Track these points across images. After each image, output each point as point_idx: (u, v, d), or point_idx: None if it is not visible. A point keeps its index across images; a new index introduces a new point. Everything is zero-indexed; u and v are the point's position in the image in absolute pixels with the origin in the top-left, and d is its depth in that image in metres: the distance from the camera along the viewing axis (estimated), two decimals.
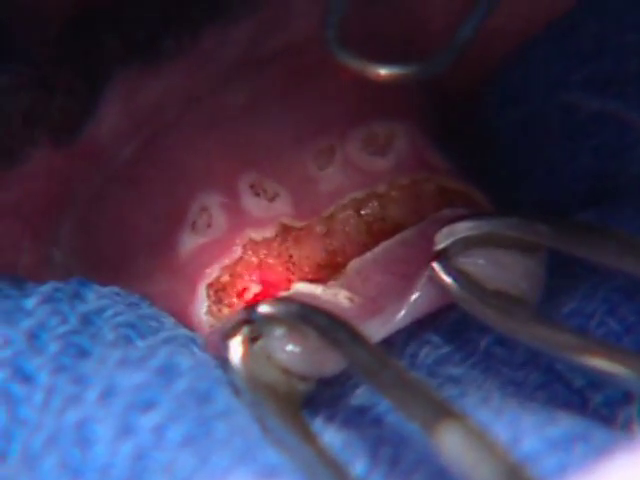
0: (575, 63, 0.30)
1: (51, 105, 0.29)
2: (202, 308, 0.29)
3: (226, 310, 0.29)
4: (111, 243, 0.32)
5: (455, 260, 0.28)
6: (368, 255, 0.29)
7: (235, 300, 0.29)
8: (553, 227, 0.27)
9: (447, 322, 0.28)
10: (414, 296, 0.28)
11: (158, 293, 0.30)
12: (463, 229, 0.28)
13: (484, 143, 0.32)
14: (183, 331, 0.28)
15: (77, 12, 0.29)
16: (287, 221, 0.30)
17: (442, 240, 0.28)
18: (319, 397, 0.27)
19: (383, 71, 0.28)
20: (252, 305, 0.27)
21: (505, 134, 0.32)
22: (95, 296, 0.27)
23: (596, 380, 0.26)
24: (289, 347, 0.26)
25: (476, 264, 0.27)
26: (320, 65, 0.31)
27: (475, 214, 0.29)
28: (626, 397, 0.25)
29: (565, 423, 0.24)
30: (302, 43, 0.31)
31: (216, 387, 0.25)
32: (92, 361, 0.25)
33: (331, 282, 0.29)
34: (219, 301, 0.29)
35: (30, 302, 0.27)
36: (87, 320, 0.27)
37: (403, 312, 0.27)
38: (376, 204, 0.30)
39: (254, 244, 0.30)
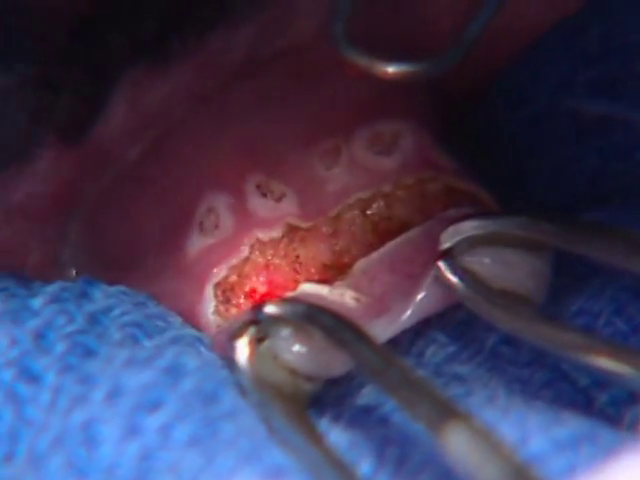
0: (581, 64, 0.30)
1: (58, 105, 0.28)
2: (209, 308, 0.29)
3: (234, 310, 0.29)
4: (119, 243, 0.31)
5: (461, 259, 0.27)
6: (374, 255, 0.28)
7: (242, 300, 0.29)
8: (559, 226, 0.26)
9: (453, 321, 0.28)
10: (420, 296, 0.27)
11: (165, 293, 0.29)
12: (469, 228, 0.27)
13: (490, 143, 0.32)
14: (190, 331, 0.28)
15: (84, 12, 0.28)
16: (294, 221, 0.30)
17: (448, 239, 0.28)
18: (325, 396, 0.26)
19: (391, 69, 0.28)
20: (258, 306, 0.27)
21: (510, 134, 0.31)
22: (102, 295, 0.27)
23: (601, 379, 0.25)
24: (295, 347, 0.26)
25: (482, 263, 0.27)
26: (325, 65, 0.30)
27: (481, 213, 0.29)
28: (632, 397, 0.25)
29: (572, 423, 0.23)
30: (308, 42, 0.30)
31: (222, 387, 0.25)
32: (99, 361, 0.25)
33: (337, 282, 0.28)
34: (227, 301, 0.29)
35: (37, 302, 0.26)
36: (94, 320, 0.26)
37: (409, 312, 0.27)
38: (382, 204, 0.30)
39: (261, 244, 0.29)
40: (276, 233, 0.29)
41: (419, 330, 0.28)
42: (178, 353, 0.25)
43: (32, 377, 0.25)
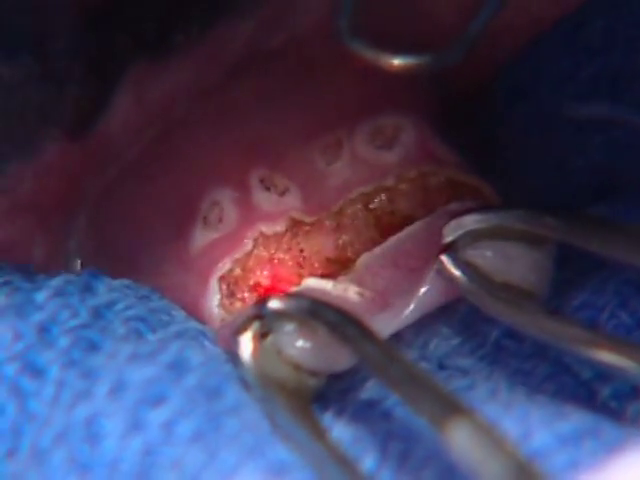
0: (583, 58, 0.29)
1: (63, 101, 0.28)
2: (214, 301, 0.29)
3: (238, 304, 0.29)
4: (123, 237, 0.31)
5: (463, 253, 0.27)
6: (377, 250, 0.28)
7: (247, 294, 0.29)
8: (561, 220, 0.26)
9: (457, 314, 0.28)
10: (423, 290, 0.27)
11: (170, 286, 0.29)
12: (471, 222, 0.27)
13: (492, 137, 0.32)
14: (194, 324, 0.27)
15: (89, 8, 0.28)
16: (297, 216, 0.29)
17: (450, 233, 0.27)
18: (328, 391, 0.26)
19: (396, 61, 0.28)
20: (262, 301, 0.26)
21: (513, 128, 0.31)
22: (106, 289, 0.27)
23: (604, 373, 0.25)
24: (299, 343, 0.26)
25: (484, 257, 0.27)
26: (326, 60, 0.30)
27: (483, 207, 0.28)
28: (634, 391, 0.25)
29: (575, 418, 0.23)
30: (308, 37, 0.30)
31: (226, 382, 0.24)
32: (102, 355, 0.25)
33: (341, 277, 0.28)
34: (231, 295, 0.29)
35: (41, 296, 0.26)
36: (98, 314, 0.26)
37: (412, 306, 0.27)
38: (384, 198, 0.30)
39: (265, 238, 0.29)
40: (280, 227, 0.29)
41: (422, 323, 0.27)
42: (182, 347, 0.25)
43: (36, 371, 0.25)
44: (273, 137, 0.30)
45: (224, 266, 0.29)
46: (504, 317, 0.25)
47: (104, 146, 0.30)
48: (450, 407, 0.22)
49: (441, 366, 0.27)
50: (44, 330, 0.25)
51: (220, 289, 0.29)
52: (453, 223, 0.27)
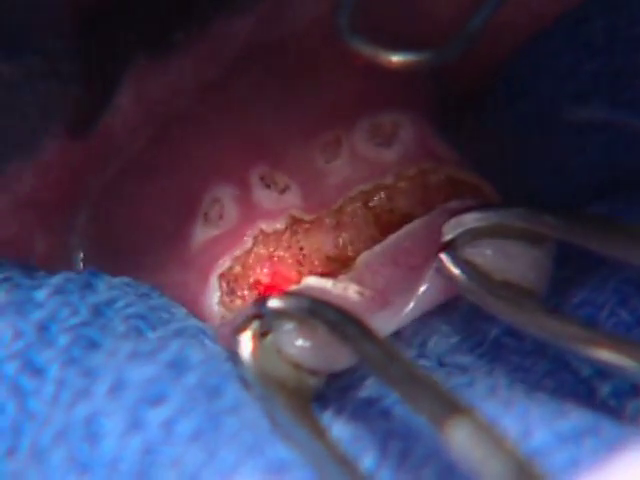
0: (584, 56, 0.29)
1: (65, 98, 0.28)
2: (214, 299, 0.28)
3: (238, 301, 0.28)
4: (124, 233, 0.31)
5: (463, 251, 0.27)
6: (377, 248, 0.28)
7: (247, 292, 0.28)
8: (561, 218, 0.26)
9: (457, 311, 0.27)
10: (422, 288, 0.27)
11: (170, 283, 0.29)
12: (471, 220, 0.27)
13: (492, 134, 0.31)
14: (194, 322, 0.27)
15: (90, 6, 0.28)
16: (297, 214, 0.29)
17: (450, 231, 0.27)
18: (328, 389, 0.26)
19: (395, 58, 0.27)
20: (262, 300, 0.26)
21: (513, 125, 0.31)
22: (106, 287, 0.26)
23: (603, 370, 0.25)
24: (299, 342, 0.25)
25: (484, 255, 0.26)
26: (326, 56, 0.30)
27: (483, 205, 0.28)
28: (634, 388, 0.24)
29: (575, 416, 0.23)
30: (308, 33, 0.30)
31: (226, 381, 0.24)
32: (102, 353, 0.24)
33: (341, 276, 0.28)
34: (231, 292, 0.28)
35: (41, 293, 0.26)
36: (98, 311, 0.26)
37: (412, 305, 0.27)
38: (383, 196, 0.29)
39: (265, 236, 0.29)
40: (280, 225, 0.29)
41: (422, 320, 0.27)
42: (182, 346, 0.25)
43: (35, 370, 0.24)
44: (273, 134, 0.30)
45: (224, 263, 0.29)
46: (504, 315, 0.25)
47: (105, 143, 0.29)
48: (450, 406, 0.21)
49: (441, 363, 0.27)
50: (44, 328, 0.25)
51: (220, 286, 0.28)
52: (453, 221, 0.27)
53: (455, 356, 0.27)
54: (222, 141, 0.30)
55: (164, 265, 0.30)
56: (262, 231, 0.29)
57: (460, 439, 0.21)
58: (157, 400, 0.23)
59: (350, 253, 0.29)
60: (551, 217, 0.26)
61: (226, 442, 0.22)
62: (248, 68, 0.30)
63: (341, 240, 0.29)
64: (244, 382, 0.25)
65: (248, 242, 0.29)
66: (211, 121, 0.30)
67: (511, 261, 0.26)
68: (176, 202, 0.30)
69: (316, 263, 0.29)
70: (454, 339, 0.27)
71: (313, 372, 0.25)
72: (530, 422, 0.22)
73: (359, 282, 0.27)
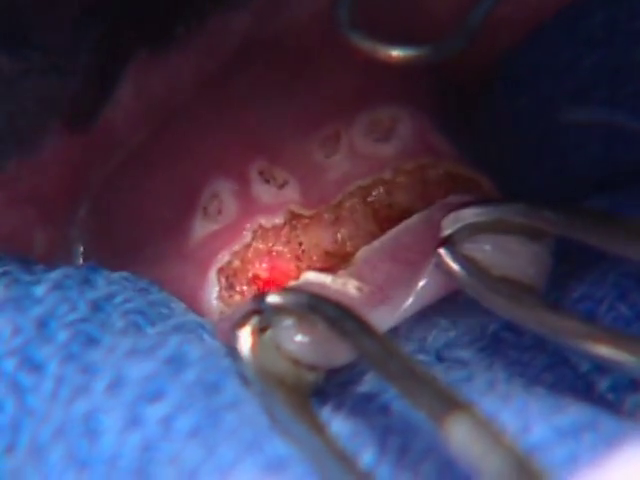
0: (584, 50, 0.29)
1: (65, 93, 0.28)
2: (213, 293, 0.28)
3: (237, 297, 0.28)
4: (124, 227, 0.31)
5: (462, 246, 0.26)
6: (376, 243, 0.28)
7: (245, 287, 0.28)
8: (560, 214, 0.26)
9: (455, 306, 0.27)
10: (421, 283, 0.27)
11: (169, 277, 0.29)
12: (470, 215, 0.27)
13: (491, 129, 0.31)
14: (193, 317, 0.27)
15: (90, 1, 0.27)
16: (296, 209, 0.29)
17: (448, 226, 0.27)
18: (327, 384, 0.26)
19: (395, 52, 0.27)
20: (261, 295, 0.26)
21: (512, 120, 0.31)
22: (104, 282, 0.26)
23: (602, 365, 0.24)
24: (298, 337, 0.25)
25: (483, 250, 0.26)
26: (324, 50, 0.30)
27: (482, 200, 0.28)
28: (633, 383, 0.24)
29: (573, 411, 0.23)
30: (307, 27, 0.30)
31: (225, 377, 0.24)
32: (101, 349, 0.24)
33: (340, 271, 0.27)
34: (230, 287, 0.28)
35: (40, 289, 0.25)
36: (96, 307, 0.25)
37: (411, 300, 0.26)
38: (382, 191, 0.29)
39: (263, 231, 0.29)
40: (278, 220, 0.29)
41: (421, 315, 0.27)
42: (181, 342, 0.24)
43: (34, 366, 0.24)
44: (272, 129, 0.30)
45: (223, 258, 0.29)
46: (503, 311, 0.25)
47: (105, 138, 0.29)
48: (449, 401, 0.21)
49: (439, 358, 0.26)
50: (43, 324, 0.25)
51: (219, 281, 0.28)
52: (452, 216, 0.27)
53: (454, 351, 0.26)
54: (221, 136, 0.30)
55: (163, 259, 0.30)
56: (261, 226, 0.29)
57: (459, 435, 0.21)
58: (156, 396, 0.23)
59: (349, 248, 0.28)
60: (550, 212, 0.26)
61: (225, 438, 0.22)
62: (247, 63, 0.30)
63: (340, 235, 0.29)
64: (243, 378, 0.24)
65: (247, 237, 0.29)
66: (211, 116, 0.30)
67: (510, 256, 0.26)
68: (175, 196, 0.30)
69: (315, 258, 0.28)
70: (453, 333, 0.27)
71: (312, 368, 0.25)
72: (529, 417, 0.22)
73: (358, 277, 0.27)
